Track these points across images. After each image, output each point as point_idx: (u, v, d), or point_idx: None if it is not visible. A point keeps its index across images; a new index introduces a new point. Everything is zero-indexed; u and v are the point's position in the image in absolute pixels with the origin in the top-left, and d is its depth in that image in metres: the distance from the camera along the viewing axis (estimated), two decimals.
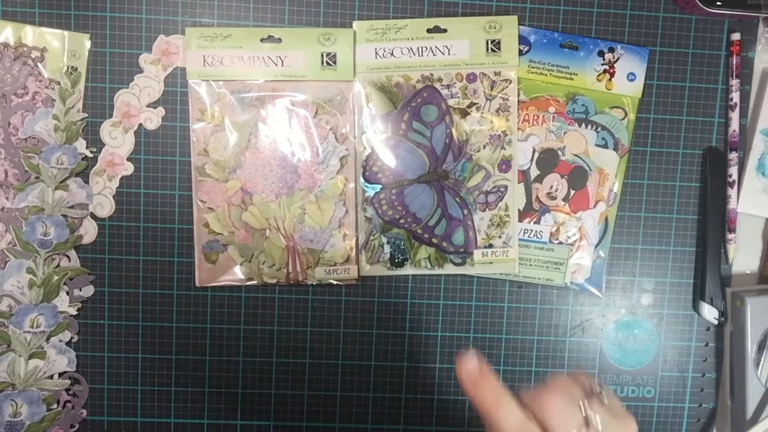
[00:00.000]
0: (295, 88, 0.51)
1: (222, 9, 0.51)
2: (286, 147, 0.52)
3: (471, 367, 0.39)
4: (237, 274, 0.52)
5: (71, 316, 0.52)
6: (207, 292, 0.53)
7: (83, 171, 0.51)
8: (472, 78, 0.52)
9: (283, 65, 0.51)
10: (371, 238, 0.53)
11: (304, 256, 0.52)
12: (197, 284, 0.52)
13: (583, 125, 0.53)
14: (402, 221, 0.53)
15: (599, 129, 0.53)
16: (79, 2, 0.51)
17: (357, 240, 0.53)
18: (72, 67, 0.51)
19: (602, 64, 0.53)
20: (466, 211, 0.53)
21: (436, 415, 0.54)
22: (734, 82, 0.53)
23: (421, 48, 0.52)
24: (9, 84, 0.50)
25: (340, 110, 0.52)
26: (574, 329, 0.55)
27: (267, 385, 0.54)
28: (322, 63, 0.51)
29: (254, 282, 0.52)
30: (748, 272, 0.56)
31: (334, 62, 0.51)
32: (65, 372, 0.52)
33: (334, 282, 0.53)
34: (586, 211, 0.54)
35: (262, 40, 0.51)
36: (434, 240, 0.53)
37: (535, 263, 0.54)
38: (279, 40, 0.51)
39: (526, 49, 0.52)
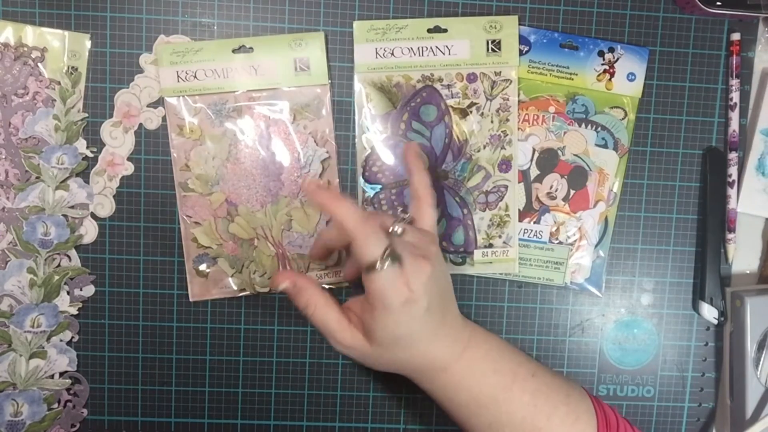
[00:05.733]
0: (272, 96, 0.51)
1: (222, 9, 0.51)
2: (267, 155, 0.51)
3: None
4: (229, 286, 0.52)
5: (72, 315, 0.52)
6: None
7: (84, 171, 0.51)
8: (472, 78, 0.52)
9: (257, 74, 0.51)
10: None
11: (294, 262, 0.52)
12: (191, 299, 0.52)
13: (583, 125, 0.53)
14: None
15: (599, 129, 0.53)
16: (80, 2, 0.51)
17: None
18: (72, 67, 0.51)
19: (602, 64, 0.53)
20: (465, 211, 0.53)
21: (436, 414, 0.55)
22: (734, 82, 0.53)
23: (422, 48, 0.52)
24: (9, 84, 0.50)
25: (317, 114, 0.52)
26: (573, 329, 0.55)
27: (267, 385, 0.54)
28: (296, 68, 0.51)
29: (247, 293, 0.52)
30: (748, 272, 0.56)
31: (308, 67, 0.51)
32: (66, 371, 0.52)
33: (326, 286, 0.53)
34: (586, 211, 0.54)
35: (234, 51, 0.51)
36: None
37: (535, 263, 0.54)
38: (251, 49, 0.51)
39: (526, 49, 0.52)
